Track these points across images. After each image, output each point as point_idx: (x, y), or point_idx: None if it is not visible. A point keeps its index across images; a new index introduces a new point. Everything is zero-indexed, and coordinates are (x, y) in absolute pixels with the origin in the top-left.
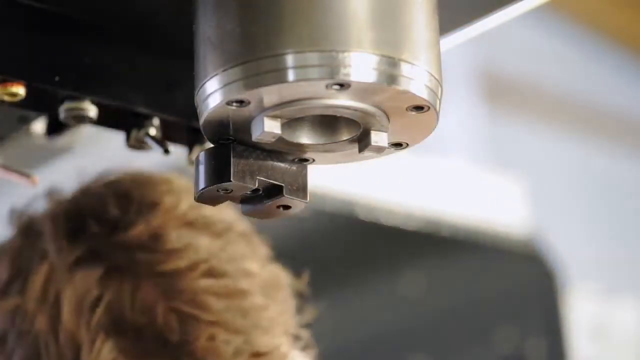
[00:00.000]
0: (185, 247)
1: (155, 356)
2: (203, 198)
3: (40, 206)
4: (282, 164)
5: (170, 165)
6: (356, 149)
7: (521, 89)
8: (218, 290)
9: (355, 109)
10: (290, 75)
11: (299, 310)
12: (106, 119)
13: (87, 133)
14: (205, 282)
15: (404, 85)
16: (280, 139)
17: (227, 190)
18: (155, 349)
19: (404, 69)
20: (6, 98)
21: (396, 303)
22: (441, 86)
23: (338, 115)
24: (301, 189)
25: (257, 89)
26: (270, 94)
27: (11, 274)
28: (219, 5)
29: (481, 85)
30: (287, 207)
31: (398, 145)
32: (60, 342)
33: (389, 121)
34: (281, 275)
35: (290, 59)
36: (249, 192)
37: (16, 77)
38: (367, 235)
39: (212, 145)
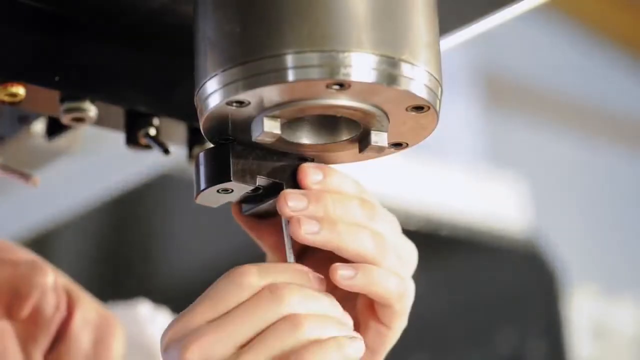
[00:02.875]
0: None
1: None
2: (203, 199)
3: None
4: (282, 163)
5: (170, 165)
6: (356, 149)
7: (521, 89)
8: None
9: (355, 109)
10: (290, 75)
11: None
12: (106, 119)
13: (88, 133)
14: None
15: (404, 85)
16: (280, 139)
17: (227, 190)
18: None
19: (404, 69)
20: (6, 98)
21: None
22: (441, 86)
23: (338, 115)
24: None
25: (257, 89)
26: (270, 94)
27: None
28: (219, 6)
29: (481, 85)
30: None
31: (398, 145)
32: None
33: (389, 121)
34: None
35: (290, 59)
36: (249, 192)
37: (16, 78)
38: None
39: (212, 145)
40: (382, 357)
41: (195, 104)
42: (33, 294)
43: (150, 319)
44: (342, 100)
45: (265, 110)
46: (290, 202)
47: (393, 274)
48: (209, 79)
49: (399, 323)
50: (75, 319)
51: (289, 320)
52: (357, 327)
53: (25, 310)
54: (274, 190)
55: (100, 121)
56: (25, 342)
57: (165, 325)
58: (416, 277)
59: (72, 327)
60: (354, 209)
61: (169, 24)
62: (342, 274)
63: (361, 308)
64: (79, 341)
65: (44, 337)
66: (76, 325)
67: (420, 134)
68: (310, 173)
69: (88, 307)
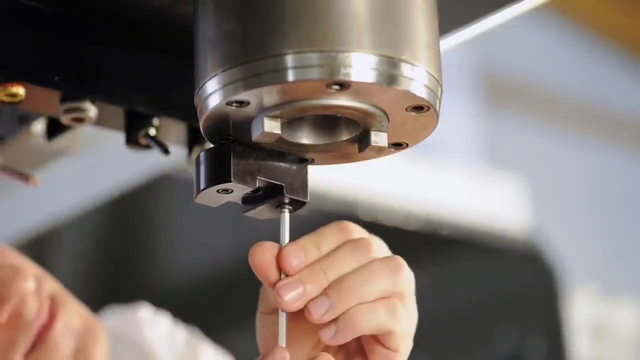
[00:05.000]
0: None
1: None
2: (203, 198)
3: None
4: (282, 164)
5: (170, 165)
6: (356, 149)
7: (521, 89)
8: None
9: (355, 109)
10: (290, 75)
11: None
12: (106, 119)
13: (88, 133)
14: None
15: (403, 85)
16: (280, 139)
17: (227, 190)
18: None
19: (404, 69)
20: (6, 98)
21: None
22: (441, 86)
23: (338, 115)
24: (301, 189)
25: (257, 89)
26: (270, 94)
27: None
28: (219, 6)
29: (481, 86)
30: (287, 207)
31: (398, 145)
32: None
33: (388, 121)
34: None
35: (290, 59)
36: (248, 192)
37: (16, 78)
38: None
39: (212, 146)
40: None
41: (195, 104)
42: (11, 299)
43: (151, 322)
44: (342, 100)
45: (265, 110)
46: (286, 295)
47: (376, 305)
48: (209, 79)
49: (405, 345)
50: (57, 325)
51: None
52: (364, 355)
53: (4, 315)
54: (274, 192)
55: (100, 121)
56: (4, 346)
57: (166, 329)
58: (416, 277)
59: (53, 333)
60: (348, 260)
61: (169, 24)
62: (323, 334)
63: (365, 336)
64: (59, 348)
65: (23, 341)
66: (57, 331)
67: (420, 134)
68: (290, 259)
69: (72, 314)
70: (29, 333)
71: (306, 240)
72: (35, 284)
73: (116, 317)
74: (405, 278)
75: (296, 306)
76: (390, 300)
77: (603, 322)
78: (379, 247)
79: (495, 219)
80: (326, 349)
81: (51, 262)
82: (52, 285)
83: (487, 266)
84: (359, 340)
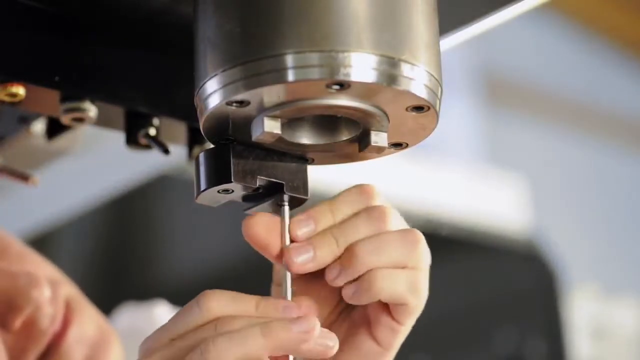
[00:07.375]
0: None
1: None
2: (204, 199)
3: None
4: (282, 162)
5: (170, 165)
6: (356, 149)
7: (521, 89)
8: None
9: (355, 109)
10: (290, 75)
11: None
12: (106, 119)
13: (88, 133)
14: None
15: (403, 85)
16: (280, 139)
17: (227, 190)
18: None
19: (404, 69)
20: (6, 98)
21: None
22: (441, 86)
23: (338, 115)
24: (301, 186)
25: (257, 89)
26: (270, 94)
27: None
28: (219, 5)
29: (481, 86)
30: (288, 205)
31: (398, 145)
32: None
33: (388, 121)
34: None
35: (290, 59)
36: (249, 191)
37: (16, 78)
38: None
39: (212, 146)
40: (393, 353)
41: (195, 104)
42: (27, 308)
43: (167, 319)
44: (342, 100)
45: (265, 110)
46: (297, 257)
47: (397, 272)
48: (209, 79)
49: (411, 321)
50: (70, 334)
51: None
52: (369, 324)
53: (18, 322)
54: (274, 190)
55: (100, 121)
56: (16, 353)
57: None
58: None
59: (65, 341)
60: (361, 229)
61: (169, 24)
62: (343, 292)
63: (373, 305)
64: (70, 355)
65: (35, 349)
66: (69, 339)
67: (420, 134)
68: (297, 228)
69: (87, 321)
70: (42, 341)
71: (320, 208)
72: (50, 292)
73: (132, 314)
74: (421, 253)
75: (306, 269)
76: (412, 272)
77: (603, 322)
78: (396, 218)
79: (495, 219)
80: (338, 316)
81: (51, 262)
82: (67, 289)
83: (487, 266)
84: (364, 311)
